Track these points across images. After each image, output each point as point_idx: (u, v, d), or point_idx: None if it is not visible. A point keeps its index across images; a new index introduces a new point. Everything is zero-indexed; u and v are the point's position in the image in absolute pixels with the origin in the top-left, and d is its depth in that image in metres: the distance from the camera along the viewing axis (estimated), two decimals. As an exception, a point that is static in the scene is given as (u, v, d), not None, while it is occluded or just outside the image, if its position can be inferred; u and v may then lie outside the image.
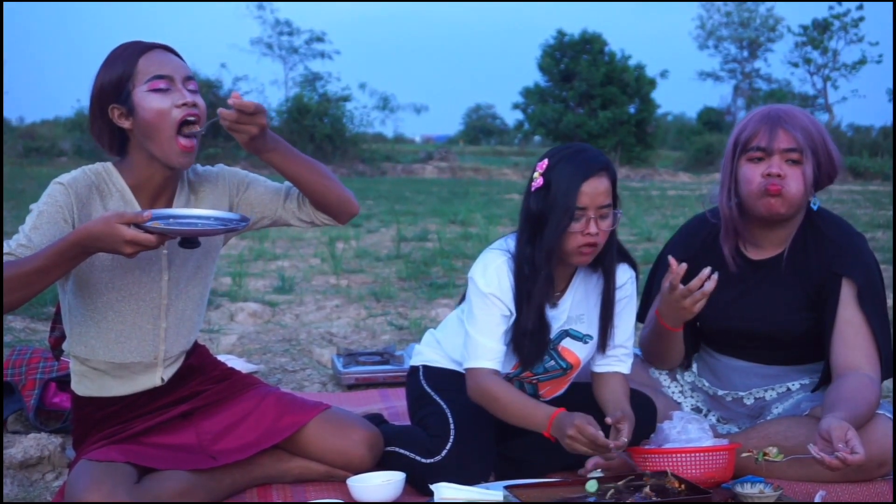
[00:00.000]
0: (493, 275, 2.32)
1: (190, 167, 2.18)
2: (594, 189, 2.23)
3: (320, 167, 2.27)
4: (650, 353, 2.67)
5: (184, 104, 2.06)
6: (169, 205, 2.21)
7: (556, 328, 2.40)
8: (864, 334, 2.37)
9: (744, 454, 2.23)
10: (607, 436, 2.17)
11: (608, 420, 2.22)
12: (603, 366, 2.47)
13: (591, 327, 2.45)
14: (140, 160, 2.14)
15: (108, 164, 2.18)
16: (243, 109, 2.00)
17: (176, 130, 2.07)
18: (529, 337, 2.34)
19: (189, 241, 1.97)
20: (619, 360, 2.46)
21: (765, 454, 2.18)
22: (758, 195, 2.38)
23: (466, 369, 2.34)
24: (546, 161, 2.30)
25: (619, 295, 2.43)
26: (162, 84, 2.06)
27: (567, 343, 2.45)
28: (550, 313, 2.37)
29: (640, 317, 2.72)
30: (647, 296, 2.73)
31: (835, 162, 2.39)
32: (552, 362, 2.45)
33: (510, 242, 2.38)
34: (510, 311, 2.33)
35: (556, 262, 2.32)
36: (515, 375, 2.46)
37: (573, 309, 2.43)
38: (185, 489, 2.12)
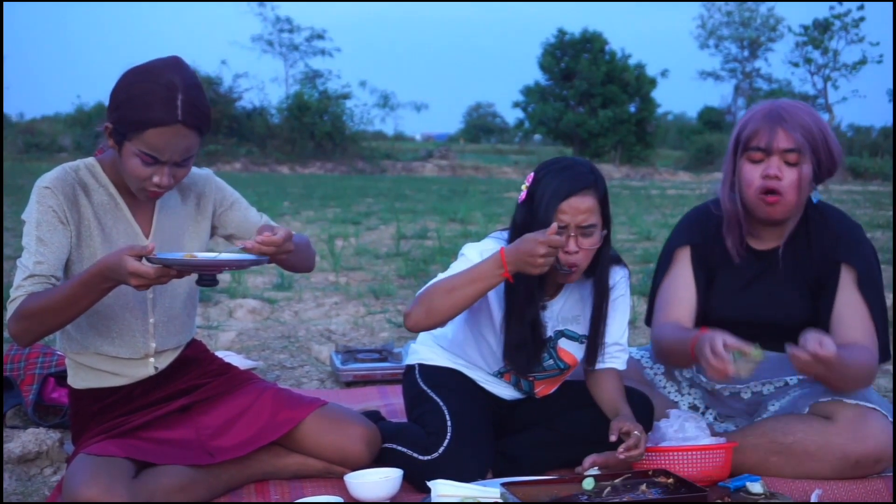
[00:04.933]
0: (486, 253, 2.29)
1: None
2: (575, 207, 2.22)
3: (310, 251, 2.37)
4: (669, 363, 2.65)
5: (157, 185, 2.09)
6: (152, 201, 2.24)
7: (549, 328, 2.42)
8: (862, 316, 2.40)
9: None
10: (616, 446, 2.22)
11: (612, 437, 2.23)
12: (598, 363, 2.48)
13: (587, 328, 2.46)
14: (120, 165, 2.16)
15: (90, 160, 2.22)
16: (275, 244, 2.03)
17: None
18: (520, 348, 2.35)
19: (205, 279, 1.96)
20: (614, 356, 2.49)
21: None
22: (756, 199, 2.40)
23: (418, 296, 2.27)
24: (533, 175, 2.31)
25: (612, 294, 2.44)
26: (149, 161, 2.07)
27: (563, 343, 2.46)
28: (541, 314, 2.38)
29: (648, 320, 2.68)
30: (654, 295, 2.66)
31: (835, 157, 2.42)
32: (551, 361, 2.46)
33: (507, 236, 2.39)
34: None
35: (545, 275, 2.30)
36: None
37: (566, 310, 2.45)
38: (183, 484, 2.13)
